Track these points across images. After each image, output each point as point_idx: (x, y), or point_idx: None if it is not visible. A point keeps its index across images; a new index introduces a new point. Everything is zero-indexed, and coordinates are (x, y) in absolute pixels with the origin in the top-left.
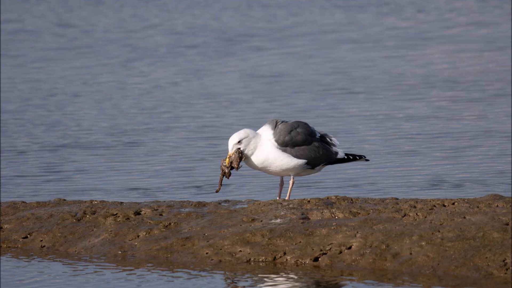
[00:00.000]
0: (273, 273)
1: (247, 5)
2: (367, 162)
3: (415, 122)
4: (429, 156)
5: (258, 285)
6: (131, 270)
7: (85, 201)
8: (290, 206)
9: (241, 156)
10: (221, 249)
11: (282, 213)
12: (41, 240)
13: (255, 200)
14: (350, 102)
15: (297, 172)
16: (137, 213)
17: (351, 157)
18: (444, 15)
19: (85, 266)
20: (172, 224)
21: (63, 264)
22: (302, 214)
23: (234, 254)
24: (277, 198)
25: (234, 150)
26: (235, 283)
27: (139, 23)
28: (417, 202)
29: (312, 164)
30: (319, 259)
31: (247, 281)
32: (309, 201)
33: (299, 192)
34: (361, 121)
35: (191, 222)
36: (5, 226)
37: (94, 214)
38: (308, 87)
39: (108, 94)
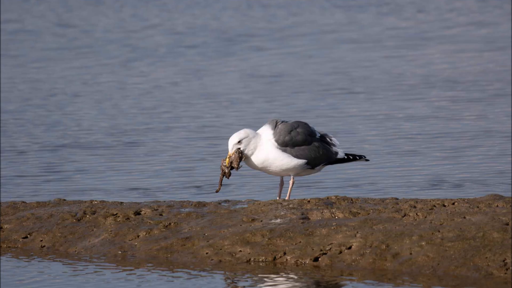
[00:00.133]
0: (273, 273)
1: (247, 5)
2: (367, 162)
3: (415, 122)
4: (429, 156)
5: (258, 285)
6: (131, 270)
7: (85, 201)
8: (290, 206)
9: (241, 156)
10: (221, 249)
11: (282, 213)
12: (41, 240)
13: (255, 200)
14: (350, 102)
15: (297, 172)
16: (137, 213)
17: (351, 157)
18: (444, 15)
19: (85, 266)
20: (172, 224)
21: (63, 264)
22: (302, 214)
23: (234, 254)
24: (277, 198)
25: (234, 150)
26: (235, 283)
27: (139, 23)
28: (417, 202)
29: (312, 164)
30: (319, 259)
31: (247, 281)
32: (309, 201)
33: (299, 192)
34: (361, 121)
35: (191, 222)
36: (5, 226)
37: (94, 214)
38: (308, 87)
39: (108, 94)
